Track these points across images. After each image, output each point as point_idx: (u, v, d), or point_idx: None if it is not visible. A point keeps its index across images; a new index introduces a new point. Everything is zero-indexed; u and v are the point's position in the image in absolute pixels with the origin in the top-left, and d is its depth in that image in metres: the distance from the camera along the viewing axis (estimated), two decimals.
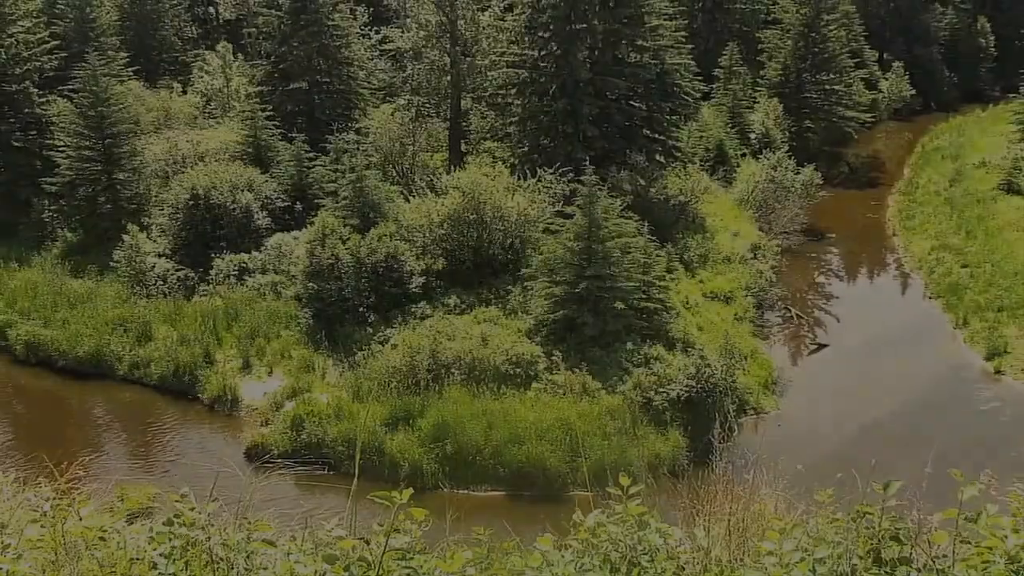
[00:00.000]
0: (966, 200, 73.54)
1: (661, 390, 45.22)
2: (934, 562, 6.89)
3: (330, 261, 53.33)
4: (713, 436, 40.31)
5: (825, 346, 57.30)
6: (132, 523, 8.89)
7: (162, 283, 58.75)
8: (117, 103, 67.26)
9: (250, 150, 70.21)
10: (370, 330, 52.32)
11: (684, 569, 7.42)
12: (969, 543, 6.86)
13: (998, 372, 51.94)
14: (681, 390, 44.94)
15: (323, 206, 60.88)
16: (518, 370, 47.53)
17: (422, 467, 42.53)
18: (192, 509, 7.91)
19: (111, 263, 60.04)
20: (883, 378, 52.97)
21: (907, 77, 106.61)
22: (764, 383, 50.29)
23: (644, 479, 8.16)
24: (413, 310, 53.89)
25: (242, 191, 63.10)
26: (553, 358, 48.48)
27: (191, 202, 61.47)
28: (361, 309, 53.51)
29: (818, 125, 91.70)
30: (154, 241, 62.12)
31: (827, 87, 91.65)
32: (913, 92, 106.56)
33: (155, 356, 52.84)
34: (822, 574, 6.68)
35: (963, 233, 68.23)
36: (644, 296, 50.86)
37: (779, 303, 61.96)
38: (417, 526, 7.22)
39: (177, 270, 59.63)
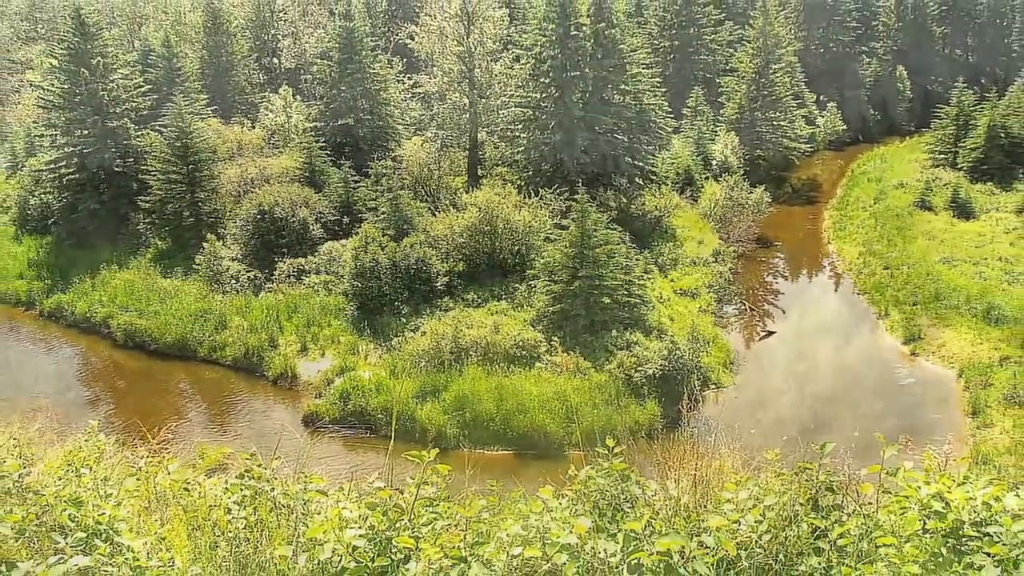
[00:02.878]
0: (888, 215, 73.53)
1: (640, 369, 45.26)
2: (861, 508, 6.96)
3: (371, 264, 53.49)
4: (682, 406, 40.40)
5: (773, 333, 57.25)
6: (210, 477, 8.94)
7: (235, 282, 59.04)
8: (198, 136, 67.80)
9: (306, 174, 70.72)
10: (404, 320, 52.45)
11: (658, 514, 7.46)
12: (889, 493, 6.94)
13: (913, 354, 52.06)
14: (656, 369, 44.99)
15: (365, 219, 61.18)
16: (524, 353, 47.62)
17: (446, 431, 42.59)
18: (259, 465, 7.99)
19: (193, 266, 60.47)
20: (821, 359, 53.15)
21: (840, 115, 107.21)
22: (724, 363, 50.25)
23: (626, 441, 8.15)
24: (439, 304, 54.18)
25: (300, 207, 63.47)
26: (552, 343, 48.62)
27: (258, 216, 61.72)
28: (397, 303, 53.65)
29: (768, 154, 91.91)
30: (228, 248, 62.38)
31: (775, 123, 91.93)
32: (844, 127, 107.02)
33: (229, 341, 53.08)
34: (771, 518, 6.73)
35: (885, 241, 68.23)
36: (626, 292, 50.97)
37: (736, 298, 61.91)
38: (442, 479, 7.31)
39: (247, 271, 59.87)
